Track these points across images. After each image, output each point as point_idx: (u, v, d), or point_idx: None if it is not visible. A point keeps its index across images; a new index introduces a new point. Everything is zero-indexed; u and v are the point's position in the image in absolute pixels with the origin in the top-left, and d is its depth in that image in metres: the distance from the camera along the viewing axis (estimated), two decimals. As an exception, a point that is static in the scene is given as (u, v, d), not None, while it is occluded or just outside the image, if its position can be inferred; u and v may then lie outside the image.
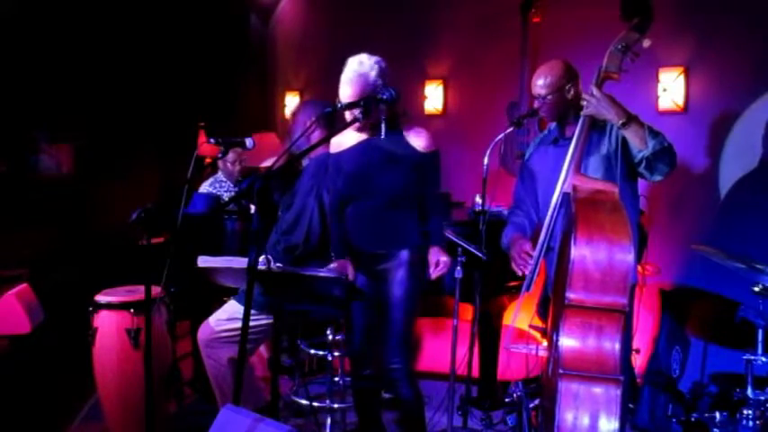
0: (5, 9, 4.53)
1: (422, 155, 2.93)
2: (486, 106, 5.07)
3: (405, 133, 2.95)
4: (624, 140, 2.74)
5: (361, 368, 3.06)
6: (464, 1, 5.26)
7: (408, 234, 2.96)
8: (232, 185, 4.70)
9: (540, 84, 2.90)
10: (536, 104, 2.96)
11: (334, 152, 3.05)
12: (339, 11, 6.30)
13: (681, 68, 4.17)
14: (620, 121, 2.64)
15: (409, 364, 2.96)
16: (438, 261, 2.94)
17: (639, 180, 2.87)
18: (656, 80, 4.23)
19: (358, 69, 2.84)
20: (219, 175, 4.79)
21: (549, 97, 2.88)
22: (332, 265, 2.97)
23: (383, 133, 2.84)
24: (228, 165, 4.71)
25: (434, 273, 2.96)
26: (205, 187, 4.73)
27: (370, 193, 2.93)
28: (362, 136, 2.97)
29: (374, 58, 2.88)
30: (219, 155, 3.38)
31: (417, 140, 2.94)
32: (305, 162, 3.34)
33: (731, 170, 4.02)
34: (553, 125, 3.04)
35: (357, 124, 2.82)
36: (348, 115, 2.85)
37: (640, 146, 2.65)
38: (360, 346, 3.04)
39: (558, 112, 2.91)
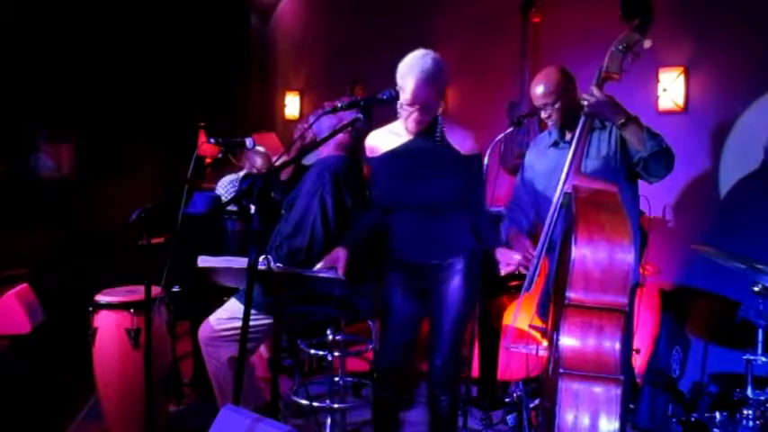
0: (5, 9, 4.54)
1: (466, 158, 2.74)
2: (486, 106, 5.07)
3: (446, 134, 2.75)
4: (624, 141, 2.74)
5: (385, 385, 2.90)
6: (464, 1, 5.26)
7: (462, 241, 2.80)
8: None
9: (541, 93, 2.87)
10: (544, 114, 2.91)
11: (369, 156, 2.86)
12: (339, 11, 6.31)
13: (681, 68, 4.17)
14: (619, 122, 2.64)
15: (457, 375, 2.85)
16: (511, 258, 2.75)
17: (640, 181, 2.87)
18: (656, 80, 4.23)
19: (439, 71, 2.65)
20: (244, 173, 4.66)
21: (557, 104, 2.86)
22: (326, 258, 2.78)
23: (438, 134, 2.70)
24: (255, 170, 4.62)
25: (506, 269, 2.78)
26: (224, 184, 4.66)
27: (415, 200, 2.74)
28: (400, 138, 2.77)
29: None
30: (220, 154, 3.37)
31: (460, 142, 2.75)
32: (310, 159, 3.33)
33: (731, 170, 4.02)
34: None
35: (414, 124, 2.66)
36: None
37: (638, 146, 2.65)
38: (390, 363, 2.86)
39: (567, 116, 2.86)
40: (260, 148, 4.29)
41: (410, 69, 2.60)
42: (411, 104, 2.62)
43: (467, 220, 2.80)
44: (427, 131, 2.71)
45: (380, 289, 2.89)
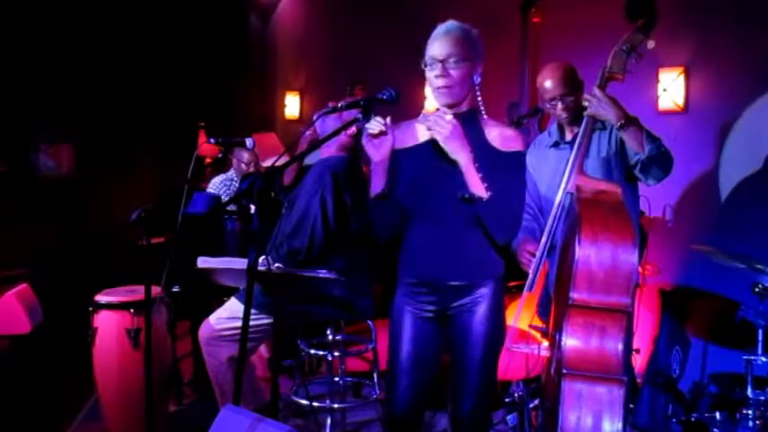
0: (5, 9, 4.53)
1: (505, 155, 2.37)
2: (487, 106, 5.06)
3: (487, 128, 2.42)
4: (623, 142, 2.73)
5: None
6: (464, 1, 5.26)
7: (491, 261, 2.42)
8: None
9: (552, 85, 2.87)
10: (560, 106, 2.88)
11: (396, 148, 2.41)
12: (339, 11, 6.31)
13: (681, 68, 4.17)
14: (619, 123, 2.63)
15: (488, 416, 2.50)
16: None
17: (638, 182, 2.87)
18: (656, 80, 4.23)
19: (467, 30, 2.48)
20: (231, 173, 4.75)
21: (570, 98, 2.86)
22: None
23: (484, 116, 2.42)
24: (243, 165, 4.66)
25: None
26: (215, 184, 4.72)
27: (440, 208, 2.35)
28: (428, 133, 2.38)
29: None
30: (220, 154, 3.38)
31: (505, 140, 2.39)
32: (311, 160, 3.33)
33: (731, 170, 4.02)
34: (553, 127, 3.04)
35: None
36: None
37: (637, 149, 2.64)
38: (402, 410, 2.42)
39: (577, 111, 2.83)
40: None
41: (451, 33, 2.48)
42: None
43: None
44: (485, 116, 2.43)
45: (389, 307, 2.55)
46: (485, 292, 2.39)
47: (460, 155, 2.29)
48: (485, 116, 2.45)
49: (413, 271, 2.43)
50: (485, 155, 2.34)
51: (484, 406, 2.41)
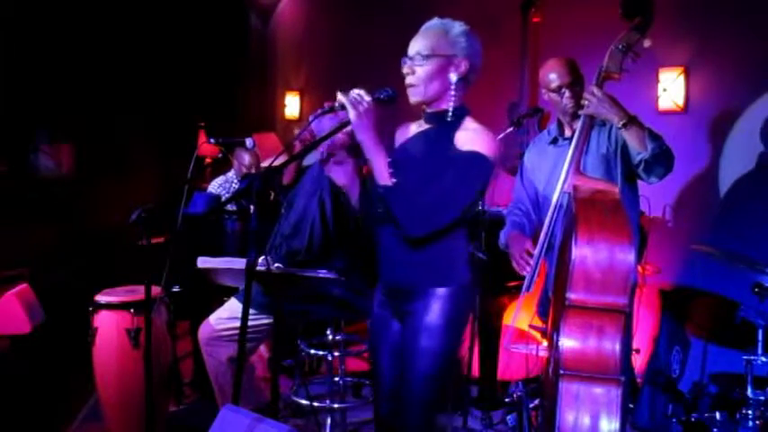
0: (5, 9, 4.54)
1: (455, 155, 2.18)
2: (487, 106, 5.06)
3: (462, 129, 2.26)
4: (624, 141, 2.73)
5: None
6: (464, 1, 5.26)
7: (450, 267, 2.26)
8: None
9: (556, 75, 2.88)
10: (567, 96, 2.85)
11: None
12: (339, 11, 6.31)
13: (681, 68, 4.17)
14: (621, 122, 2.62)
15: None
16: None
17: (639, 181, 2.87)
18: (656, 80, 4.23)
19: (444, 26, 2.29)
20: (232, 174, 4.76)
21: (575, 87, 2.86)
22: None
23: (450, 116, 2.25)
24: (244, 168, 4.66)
25: None
26: (216, 185, 4.73)
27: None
28: (418, 128, 2.35)
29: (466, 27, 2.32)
30: (220, 154, 3.38)
31: (469, 140, 2.20)
32: (309, 160, 3.33)
33: (731, 170, 4.02)
34: (552, 125, 3.04)
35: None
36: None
37: (639, 148, 2.62)
38: (386, 412, 2.35)
39: (579, 105, 2.79)
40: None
41: (425, 26, 2.33)
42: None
43: (460, 241, 2.27)
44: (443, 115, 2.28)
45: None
46: (437, 300, 2.20)
47: (365, 137, 2.15)
48: (469, 119, 2.30)
49: (378, 272, 2.36)
50: (433, 152, 2.23)
51: (421, 421, 2.22)
